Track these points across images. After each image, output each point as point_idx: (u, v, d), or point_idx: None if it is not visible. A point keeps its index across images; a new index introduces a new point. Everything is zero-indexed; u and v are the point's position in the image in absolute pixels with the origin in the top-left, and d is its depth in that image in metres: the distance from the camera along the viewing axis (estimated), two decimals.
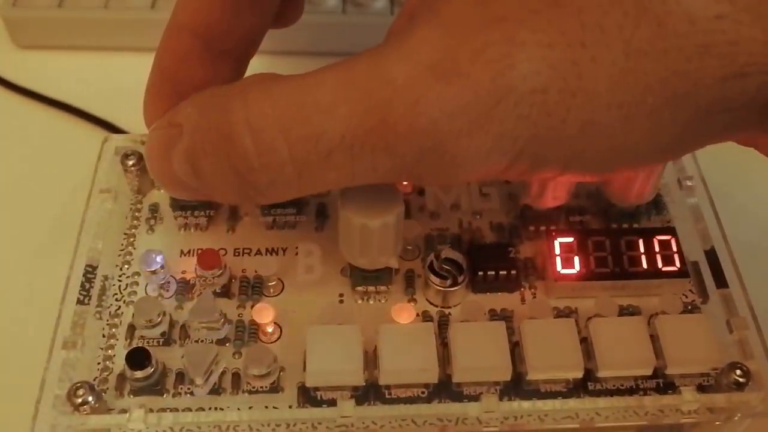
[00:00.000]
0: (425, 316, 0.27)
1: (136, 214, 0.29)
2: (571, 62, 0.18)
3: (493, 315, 0.27)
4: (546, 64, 0.18)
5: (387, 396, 0.25)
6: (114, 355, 0.26)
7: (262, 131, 0.20)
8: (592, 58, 0.18)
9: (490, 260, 0.27)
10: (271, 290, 0.27)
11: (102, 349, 0.26)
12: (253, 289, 0.27)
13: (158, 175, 0.23)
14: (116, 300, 0.27)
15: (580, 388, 0.25)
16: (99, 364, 0.25)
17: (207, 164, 0.21)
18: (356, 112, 0.19)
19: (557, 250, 0.27)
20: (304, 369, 0.24)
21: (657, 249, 0.27)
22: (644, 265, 0.27)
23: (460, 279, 0.26)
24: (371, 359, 0.25)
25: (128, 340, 0.26)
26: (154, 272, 0.27)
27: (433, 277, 0.26)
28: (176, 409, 0.24)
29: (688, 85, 0.18)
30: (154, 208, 0.29)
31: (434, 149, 0.19)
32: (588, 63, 0.18)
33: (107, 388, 0.25)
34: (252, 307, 0.26)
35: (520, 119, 0.18)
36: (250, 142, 0.20)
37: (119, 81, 0.41)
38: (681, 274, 0.27)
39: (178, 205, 0.29)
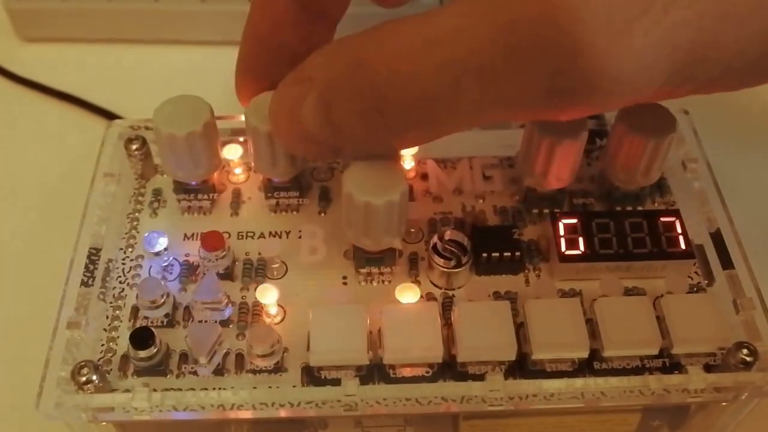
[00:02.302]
0: (429, 298, 0.27)
1: (140, 198, 0.29)
2: None
3: (498, 297, 0.27)
4: None
5: (391, 375, 0.25)
6: (118, 337, 0.26)
7: (396, 67, 0.20)
8: None
9: (494, 242, 0.27)
10: (275, 273, 0.27)
11: (105, 330, 0.26)
12: (257, 271, 0.27)
13: (286, 132, 0.23)
14: (120, 282, 0.27)
15: (585, 367, 0.25)
16: (103, 345, 0.25)
17: (342, 108, 0.21)
18: (482, 32, 0.18)
19: (561, 231, 0.27)
20: (308, 349, 0.24)
21: (661, 230, 0.27)
22: (648, 246, 0.27)
23: (464, 260, 0.26)
24: (375, 340, 0.25)
25: (132, 322, 0.26)
26: (157, 254, 0.27)
27: (437, 258, 0.26)
28: (180, 389, 0.24)
29: None
30: (158, 192, 0.29)
31: (575, 62, 0.17)
32: None
33: (111, 369, 0.25)
34: (255, 289, 0.26)
35: (677, 23, 0.17)
36: (385, 79, 0.20)
37: (122, 72, 0.42)
38: (686, 254, 0.27)
39: (181, 189, 0.29)
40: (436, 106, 0.20)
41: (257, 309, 0.26)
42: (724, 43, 0.18)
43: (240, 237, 0.28)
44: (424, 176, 0.30)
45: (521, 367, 0.25)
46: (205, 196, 0.29)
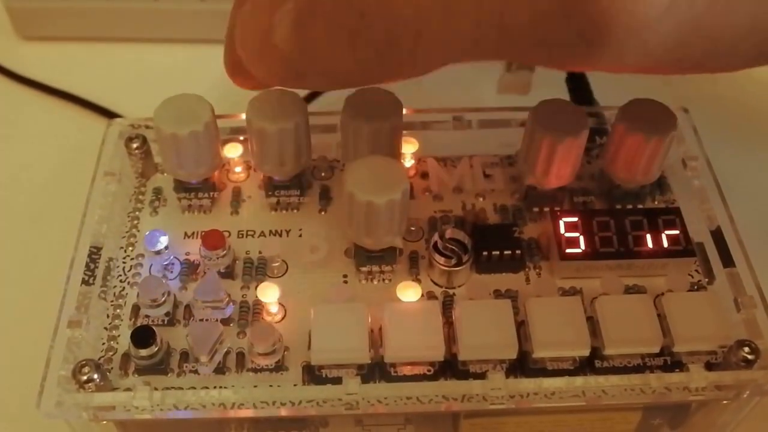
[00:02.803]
0: (430, 297, 0.27)
1: (140, 197, 0.29)
2: None
3: (498, 295, 0.27)
4: None
5: (392, 374, 0.25)
6: (118, 336, 0.26)
7: None
8: None
9: (494, 240, 0.27)
10: (275, 271, 0.27)
11: (106, 329, 0.26)
12: (257, 270, 0.27)
13: (252, 42, 0.21)
14: (120, 281, 0.27)
15: (586, 366, 0.25)
16: (103, 344, 0.25)
17: (320, 24, 0.19)
18: None
19: (562, 230, 0.27)
20: (309, 348, 0.24)
21: (661, 228, 0.27)
22: (649, 244, 0.27)
23: (465, 258, 0.26)
24: (376, 339, 0.25)
25: (132, 320, 0.26)
26: (158, 253, 0.27)
27: (437, 257, 0.26)
28: (181, 388, 0.24)
29: None
30: (158, 191, 0.29)
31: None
32: None
33: (112, 368, 0.25)
34: (256, 288, 0.26)
35: None
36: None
37: (122, 71, 0.42)
38: (686, 252, 0.27)
39: (181, 187, 0.29)
40: (425, 31, 0.18)
41: (258, 307, 0.26)
42: (740, 9, 0.17)
43: (240, 235, 0.28)
44: (425, 174, 0.30)
45: (522, 365, 0.25)
46: (206, 195, 0.29)
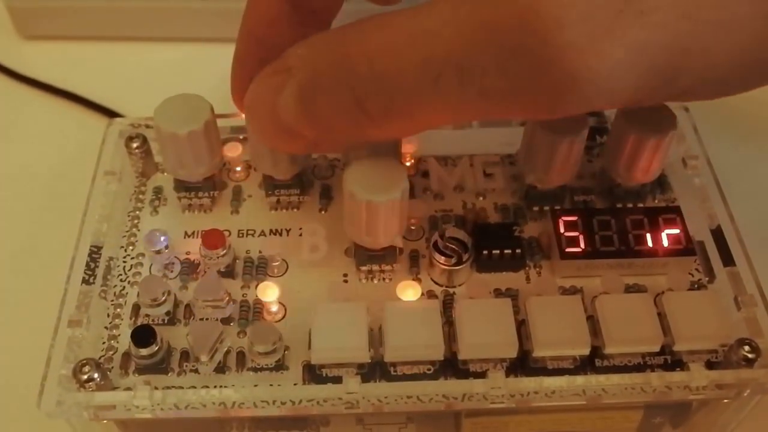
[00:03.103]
0: (430, 296, 0.27)
1: (140, 196, 0.29)
2: None
3: (499, 294, 0.27)
4: None
5: (393, 373, 0.25)
6: (119, 335, 0.26)
7: (377, 58, 0.20)
8: None
9: (494, 239, 0.27)
10: (276, 270, 0.27)
11: (107, 328, 0.26)
12: (258, 269, 0.27)
13: (262, 123, 0.23)
14: (121, 281, 0.27)
15: (587, 365, 0.25)
16: (104, 343, 0.25)
17: (321, 98, 0.21)
18: (464, 31, 0.18)
19: (562, 229, 0.27)
20: (309, 347, 0.24)
21: (662, 227, 0.27)
22: (650, 243, 0.27)
23: (465, 257, 0.26)
24: (376, 338, 0.25)
25: (133, 319, 0.26)
26: (158, 252, 0.27)
27: (437, 256, 0.26)
28: (181, 387, 0.24)
29: None
30: (158, 191, 0.29)
31: (551, 62, 0.18)
32: None
33: (112, 367, 0.25)
34: (256, 287, 0.26)
35: (652, 27, 0.17)
36: (366, 69, 0.20)
37: (123, 70, 0.42)
38: (687, 251, 0.27)
39: (182, 187, 0.29)
40: (416, 101, 0.20)
41: (258, 307, 0.26)
42: (695, 53, 0.18)
43: (241, 235, 0.28)
44: (425, 174, 0.30)
45: (523, 364, 0.25)
46: (206, 194, 0.29)
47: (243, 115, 0.27)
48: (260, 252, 0.27)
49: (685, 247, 0.27)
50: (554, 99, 0.19)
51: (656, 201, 0.29)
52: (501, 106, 0.20)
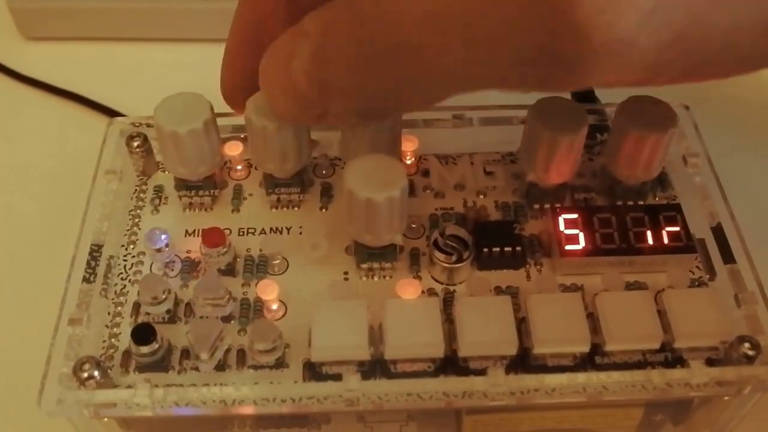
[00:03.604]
0: (430, 294, 0.27)
1: (141, 195, 0.29)
2: None
3: (499, 292, 0.27)
4: None
5: (393, 371, 0.25)
6: (119, 333, 0.26)
7: (384, 7, 0.19)
8: None
9: (495, 237, 0.27)
10: (276, 269, 0.27)
11: (107, 327, 0.26)
12: (258, 267, 0.27)
13: (276, 87, 0.23)
14: (121, 279, 0.27)
15: (587, 362, 0.25)
16: (104, 341, 0.26)
17: (337, 56, 0.21)
18: None
19: (562, 226, 0.27)
20: (310, 345, 0.24)
21: (662, 224, 0.27)
22: (650, 240, 0.27)
23: (465, 255, 0.26)
24: (376, 335, 0.25)
25: (133, 318, 0.26)
26: (159, 250, 0.27)
27: (438, 254, 0.26)
28: (181, 385, 0.24)
29: None
30: (159, 189, 0.29)
31: (565, 19, 0.17)
32: None
33: (113, 365, 0.25)
34: (257, 285, 0.26)
35: None
36: (373, 20, 0.19)
37: (123, 70, 0.42)
38: (687, 249, 0.27)
39: (182, 185, 0.29)
40: (420, 56, 0.19)
41: (258, 305, 0.26)
42: (719, 22, 0.17)
43: (241, 233, 0.28)
44: (426, 172, 0.30)
45: (523, 361, 0.25)
46: (207, 193, 0.29)
47: (234, 111, 0.27)
48: (261, 250, 0.28)
49: (686, 245, 0.27)
50: (567, 62, 0.18)
51: (657, 199, 0.29)
52: (510, 71, 0.19)
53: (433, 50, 0.19)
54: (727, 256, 0.27)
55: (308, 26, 0.21)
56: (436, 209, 0.29)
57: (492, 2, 0.18)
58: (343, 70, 0.21)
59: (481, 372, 0.24)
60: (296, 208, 0.29)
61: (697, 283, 0.27)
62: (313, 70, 0.21)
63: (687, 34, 0.17)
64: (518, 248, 0.27)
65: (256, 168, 0.30)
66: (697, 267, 0.27)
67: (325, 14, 0.21)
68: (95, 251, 0.27)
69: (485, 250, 0.27)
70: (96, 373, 0.24)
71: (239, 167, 0.30)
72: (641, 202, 0.29)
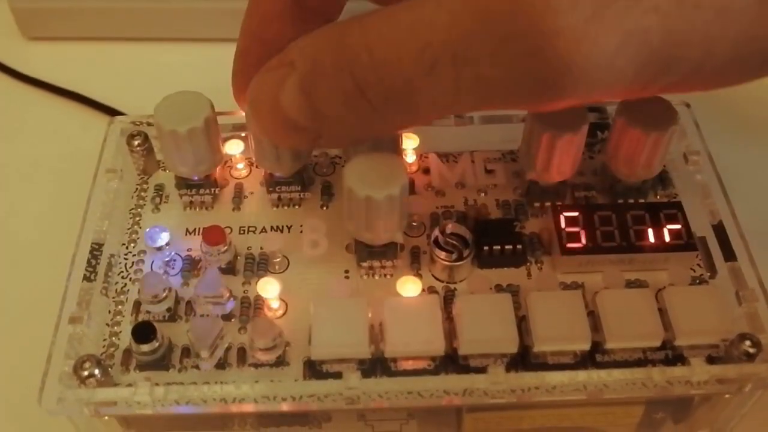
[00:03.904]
0: (431, 291, 0.27)
1: (142, 193, 0.29)
2: None
3: (499, 290, 0.27)
4: None
5: (393, 369, 0.25)
6: (120, 332, 0.26)
7: (377, 47, 0.20)
8: None
9: (495, 235, 0.27)
10: (276, 267, 0.27)
11: (108, 325, 0.26)
12: (258, 265, 0.27)
13: (265, 117, 0.23)
14: (122, 277, 0.27)
15: (587, 360, 0.25)
16: (105, 340, 0.26)
17: (323, 88, 0.21)
18: (459, 19, 0.18)
19: (563, 224, 0.27)
20: (310, 343, 0.24)
21: (663, 222, 0.27)
22: (651, 238, 0.27)
23: (466, 253, 0.26)
24: (377, 334, 0.25)
25: (134, 316, 0.26)
26: (159, 249, 0.27)
27: (438, 252, 0.26)
28: (182, 383, 0.24)
29: None
30: (160, 188, 0.29)
31: (544, 48, 0.18)
32: None
33: (113, 364, 0.25)
34: (257, 283, 0.26)
35: (647, 12, 0.17)
36: (367, 57, 0.20)
37: (124, 69, 0.42)
38: (688, 246, 0.27)
39: (183, 184, 0.29)
40: (414, 90, 0.20)
41: (259, 303, 0.26)
42: (693, 40, 0.18)
43: (242, 231, 0.28)
44: (426, 170, 0.30)
45: (523, 359, 0.25)
46: (207, 191, 0.29)
47: (244, 112, 0.27)
48: (261, 248, 0.28)
49: (687, 243, 0.27)
50: (549, 88, 0.19)
51: (658, 197, 0.29)
52: (497, 96, 0.20)
53: (426, 81, 0.20)
54: (728, 254, 0.27)
55: (294, 56, 0.22)
56: (437, 207, 0.29)
57: (474, 38, 0.18)
58: (334, 102, 0.21)
59: (482, 370, 0.24)
60: (297, 207, 0.29)
61: (697, 281, 0.27)
62: (303, 100, 0.22)
63: (662, 58, 0.18)
64: (519, 246, 0.27)
65: (256, 166, 0.30)
66: (698, 265, 0.27)
67: (311, 48, 0.22)
68: (96, 250, 0.27)
69: (486, 248, 0.27)
70: (96, 372, 0.24)
71: (240, 166, 0.30)
72: (642, 200, 0.29)
